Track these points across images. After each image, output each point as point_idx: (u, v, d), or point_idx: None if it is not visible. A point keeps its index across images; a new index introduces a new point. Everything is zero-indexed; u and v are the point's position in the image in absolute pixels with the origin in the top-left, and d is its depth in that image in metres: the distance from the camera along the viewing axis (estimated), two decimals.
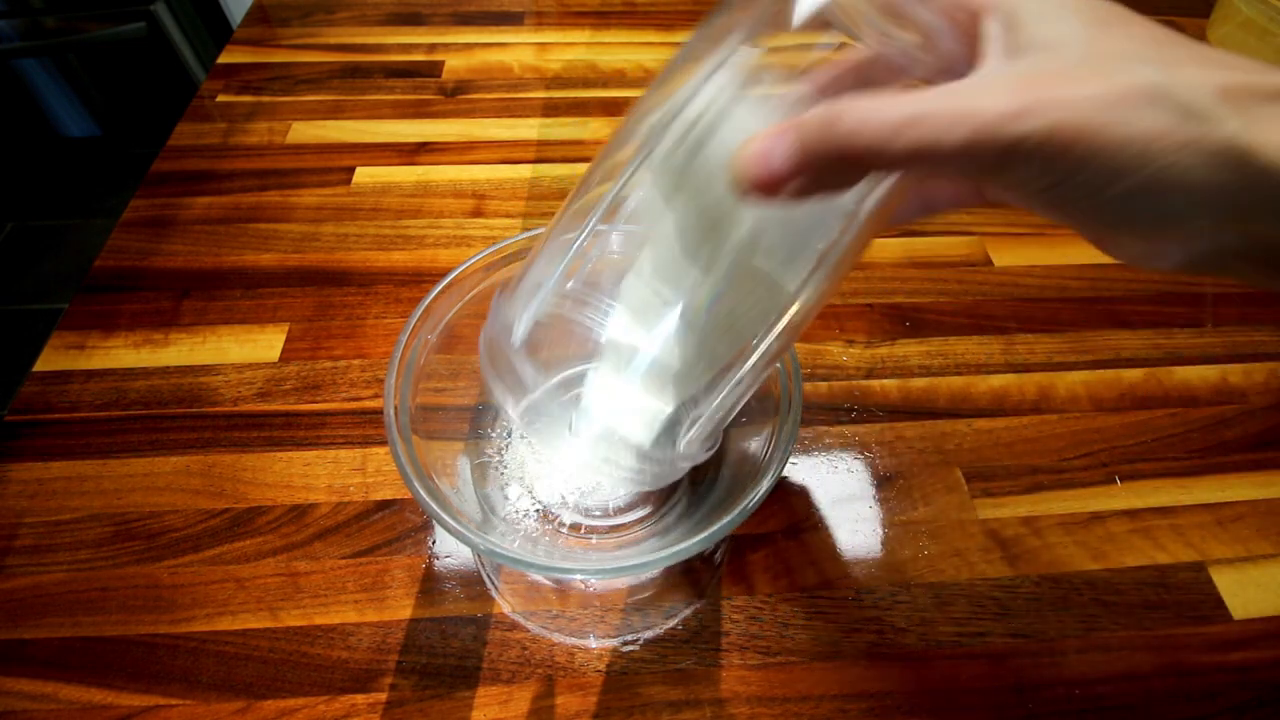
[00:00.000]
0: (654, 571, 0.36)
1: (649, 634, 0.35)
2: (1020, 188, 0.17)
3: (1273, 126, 0.15)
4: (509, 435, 0.40)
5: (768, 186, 0.17)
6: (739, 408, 0.24)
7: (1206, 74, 0.15)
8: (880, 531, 0.38)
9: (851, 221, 0.19)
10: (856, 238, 0.19)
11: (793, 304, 0.20)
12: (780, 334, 0.20)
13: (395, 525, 0.38)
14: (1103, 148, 0.15)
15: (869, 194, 0.19)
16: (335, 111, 0.62)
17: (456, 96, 0.64)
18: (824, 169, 0.16)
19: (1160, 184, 0.15)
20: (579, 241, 0.21)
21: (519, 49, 0.70)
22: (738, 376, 0.22)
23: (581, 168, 0.57)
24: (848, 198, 0.18)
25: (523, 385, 0.23)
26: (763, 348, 0.21)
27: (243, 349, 0.45)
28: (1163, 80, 0.15)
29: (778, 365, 0.31)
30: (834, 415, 0.43)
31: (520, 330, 0.23)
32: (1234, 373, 0.46)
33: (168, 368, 0.44)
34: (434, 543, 0.37)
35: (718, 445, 0.21)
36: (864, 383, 0.45)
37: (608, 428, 0.25)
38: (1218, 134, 0.15)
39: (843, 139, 0.16)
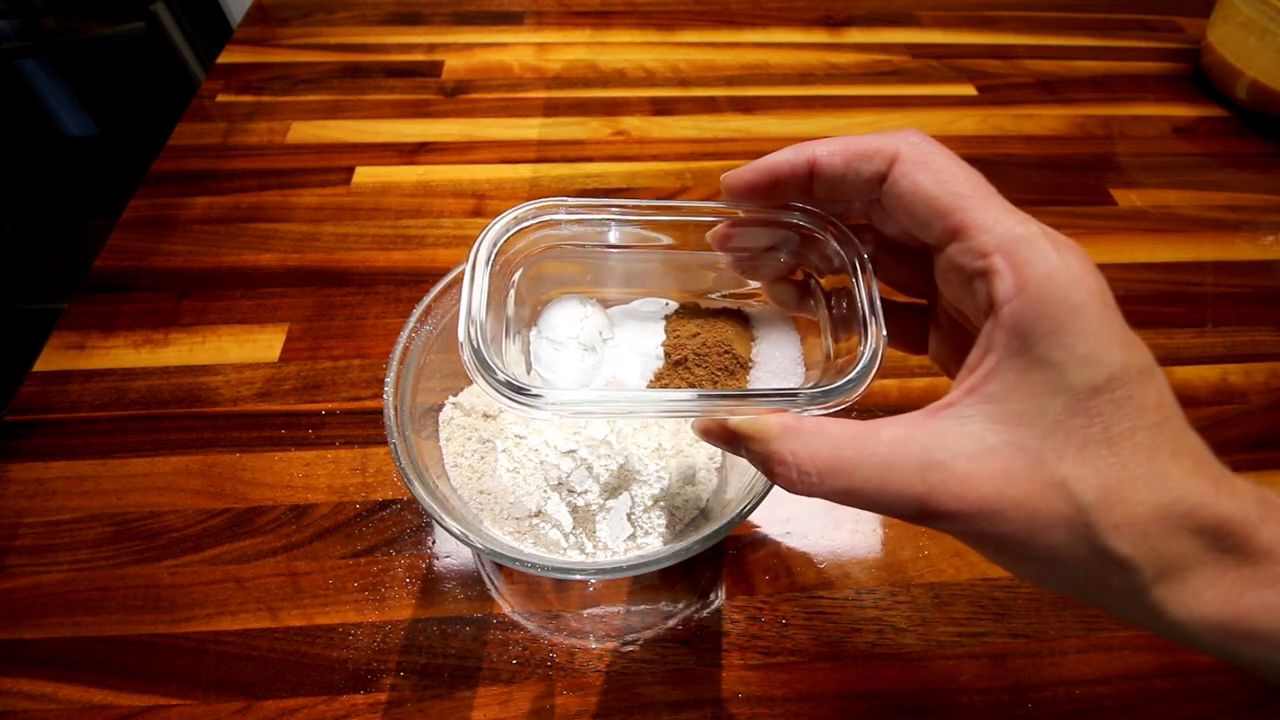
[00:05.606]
0: (654, 571, 0.36)
1: (649, 634, 0.35)
2: None
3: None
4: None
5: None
6: None
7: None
8: (880, 531, 0.38)
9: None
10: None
11: None
12: None
13: (395, 525, 0.38)
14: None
15: None
16: (335, 111, 0.62)
17: (456, 96, 0.64)
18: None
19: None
20: None
21: (519, 49, 0.70)
22: None
23: (582, 167, 0.58)
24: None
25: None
26: None
27: (242, 349, 0.45)
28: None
29: None
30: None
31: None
32: (1234, 373, 0.46)
33: (168, 368, 0.44)
34: (434, 543, 0.37)
35: None
36: None
37: None
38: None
39: (772, 468, 0.19)
